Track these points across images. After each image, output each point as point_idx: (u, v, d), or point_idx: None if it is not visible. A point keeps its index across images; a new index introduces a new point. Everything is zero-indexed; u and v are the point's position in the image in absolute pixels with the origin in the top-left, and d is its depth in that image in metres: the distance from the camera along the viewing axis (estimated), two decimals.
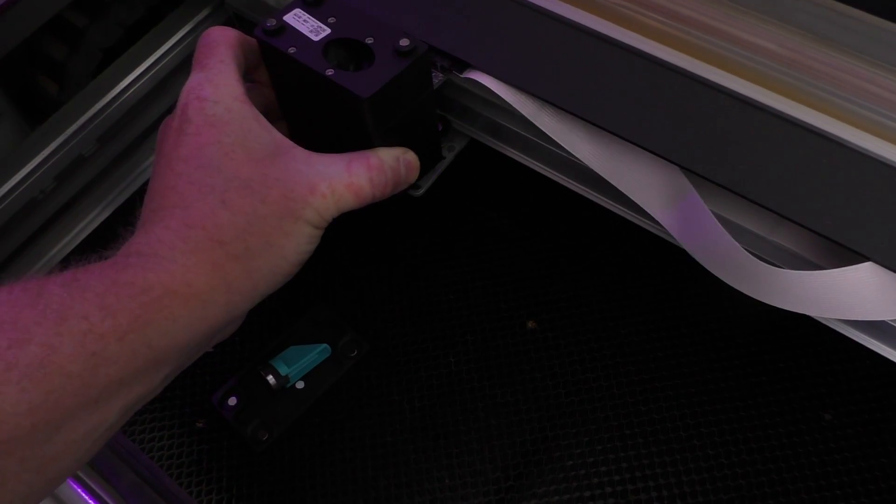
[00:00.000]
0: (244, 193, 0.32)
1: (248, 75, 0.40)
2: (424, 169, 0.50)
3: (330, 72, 0.41)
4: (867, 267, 0.35)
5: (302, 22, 0.43)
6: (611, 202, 0.46)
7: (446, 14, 0.45)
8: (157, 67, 0.55)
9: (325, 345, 0.47)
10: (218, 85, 0.35)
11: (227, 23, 0.58)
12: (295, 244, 0.33)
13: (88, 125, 0.53)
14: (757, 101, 0.38)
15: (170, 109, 0.58)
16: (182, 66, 0.57)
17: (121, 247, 0.32)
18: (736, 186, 0.36)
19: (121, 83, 0.54)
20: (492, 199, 0.54)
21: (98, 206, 0.57)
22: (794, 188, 0.36)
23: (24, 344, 0.27)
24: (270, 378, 0.46)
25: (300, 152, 0.35)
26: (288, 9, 0.44)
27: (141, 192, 0.57)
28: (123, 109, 0.54)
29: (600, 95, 0.40)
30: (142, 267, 0.29)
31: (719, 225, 0.37)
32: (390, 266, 0.52)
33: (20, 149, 0.51)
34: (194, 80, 0.36)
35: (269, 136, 0.35)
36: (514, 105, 0.43)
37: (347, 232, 0.54)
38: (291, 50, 0.42)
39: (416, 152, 0.48)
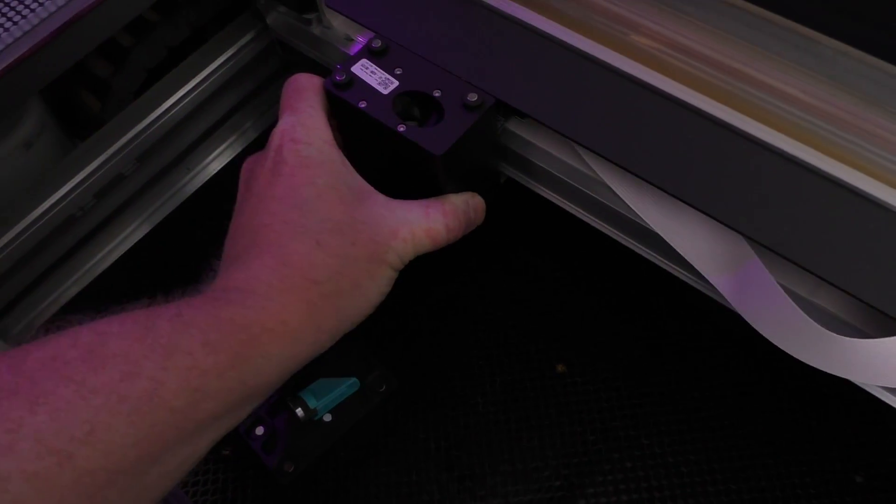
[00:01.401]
0: (337, 235, 0.33)
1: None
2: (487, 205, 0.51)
3: (401, 128, 0.42)
4: None
5: (370, 74, 0.44)
6: (647, 250, 0.45)
7: (505, 60, 0.45)
8: (200, 89, 0.56)
9: (354, 379, 0.47)
10: (309, 128, 0.37)
11: (270, 48, 0.59)
12: (377, 285, 0.35)
13: (130, 145, 0.53)
14: (814, 166, 0.37)
15: (209, 132, 0.59)
16: (223, 89, 0.58)
17: (214, 279, 0.33)
18: (791, 254, 0.36)
19: (163, 104, 0.54)
20: (527, 239, 0.54)
21: (133, 224, 0.58)
22: (847, 256, 0.35)
23: (135, 378, 0.27)
24: (299, 410, 0.46)
25: (381, 198, 0.37)
26: (354, 59, 0.44)
27: (177, 212, 0.58)
28: (164, 130, 0.55)
29: (667, 159, 0.40)
30: (241, 304, 0.31)
31: (779, 288, 0.37)
32: (422, 303, 0.52)
33: (62, 165, 0.52)
34: (287, 122, 0.37)
35: (355, 180, 0.37)
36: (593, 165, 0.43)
37: None
38: (362, 104, 0.43)
39: (474, 189, 0.48)
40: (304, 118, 0.37)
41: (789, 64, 0.40)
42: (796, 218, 0.37)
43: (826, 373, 0.38)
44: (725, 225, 0.37)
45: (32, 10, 0.44)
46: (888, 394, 0.39)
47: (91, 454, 0.26)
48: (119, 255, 0.56)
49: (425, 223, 0.37)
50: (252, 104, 0.61)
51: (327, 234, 0.33)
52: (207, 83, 0.56)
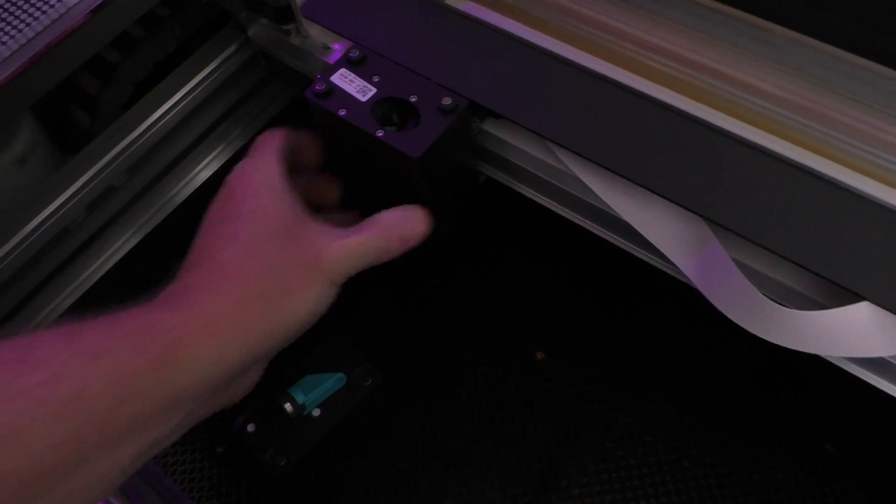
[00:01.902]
0: (269, 242, 0.35)
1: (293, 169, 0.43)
2: (464, 204, 0.52)
3: (380, 133, 0.44)
4: (864, 306, 0.36)
5: (349, 82, 0.46)
6: (620, 239, 0.47)
7: (478, 64, 0.47)
8: (186, 101, 0.58)
9: (340, 374, 0.49)
10: (258, 164, 0.39)
11: (252, 59, 0.61)
12: (312, 294, 0.36)
13: (119, 157, 0.55)
14: (767, 148, 0.39)
15: (196, 142, 0.61)
16: (209, 100, 0.59)
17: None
18: (747, 232, 0.38)
19: (151, 116, 0.56)
20: (507, 234, 0.56)
21: (126, 234, 0.59)
22: (798, 231, 0.37)
23: (59, 380, 0.28)
24: (288, 406, 0.47)
25: (319, 220, 0.39)
26: (334, 69, 0.46)
27: (168, 221, 0.60)
28: (153, 141, 0.57)
29: (633, 151, 0.42)
30: (170, 307, 0.32)
31: (734, 266, 0.39)
32: (405, 298, 0.54)
33: (54, 179, 0.53)
34: (241, 163, 0.40)
35: (297, 204, 0.38)
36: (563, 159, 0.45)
37: None
38: (342, 112, 0.45)
39: (458, 192, 0.50)
40: (255, 159, 0.39)
41: (742, 52, 0.42)
42: (751, 198, 0.39)
43: (797, 350, 0.40)
44: (686, 208, 0.39)
45: (20, 31, 0.46)
46: (853, 364, 0.41)
47: (7, 458, 0.26)
48: (112, 264, 0.58)
49: (359, 237, 0.38)
50: (238, 114, 0.63)
51: (259, 241, 0.35)
52: (193, 95, 0.58)
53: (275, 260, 0.35)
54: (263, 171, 0.39)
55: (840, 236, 0.37)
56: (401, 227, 0.41)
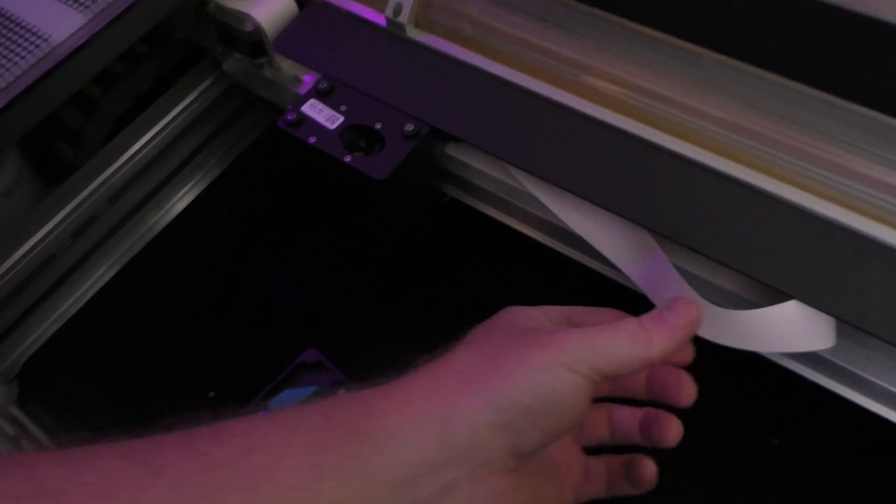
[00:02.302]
0: (503, 341, 0.33)
1: None
2: (430, 224, 0.56)
3: (348, 158, 0.47)
4: (792, 304, 0.39)
5: (318, 112, 0.50)
6: (577, 252, 0.51)
7: (439, 92, 0.50)
8: (164, 133, 0.61)
9: (316, 387, 0.52)
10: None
11: (228, 91, 0.64)
12: (536, 371, 0.32)
13: (101, 187, 0.58)
14: (702, 163, 0.43)
15: (176, 171, 0.64)
16: (186, 131, 0.62)
17: None
18: (686, 240, 0.41)
19: (131, 148, 0.59)
20: (469, 251, 0.59)
21: (109, 261, 0.62)
22: (731, 238, 0.41)
23: (256, 451, 0.27)
24: None
25: None
26: (304, 99, 0.50)
27: (149, 248, 0.62)
28: (133, 172, 0.60)
29: (582, 169, 0.45)
30: (371, 392, 0.31)
31: (675, 272, 0.42)
32: (376, 313, 0.56)
33: (39, 209, 0.56)
34: None
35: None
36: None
37: (340, 281, 0.59)
38: (312, 139, 0.48)
39: (423, 213, 0.54)
40: None
41: (677, 75, 0.46)
42: (689, 209, 0.42)
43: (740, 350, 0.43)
44: (630, 220, 0.43)
45: (8, 69, 0.49)
46: (793, 361, 0.45)
47: None
48: (97, 289, 0.60)
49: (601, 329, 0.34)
50: (215, 143, 0.66)
51: (494, 342, 0.33)
52: (171, 127, 0.61)
53: (498, 347, 0.32)
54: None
55: (769, 241, 0.41)
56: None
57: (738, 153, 0.43)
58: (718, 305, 0.42)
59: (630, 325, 0.32)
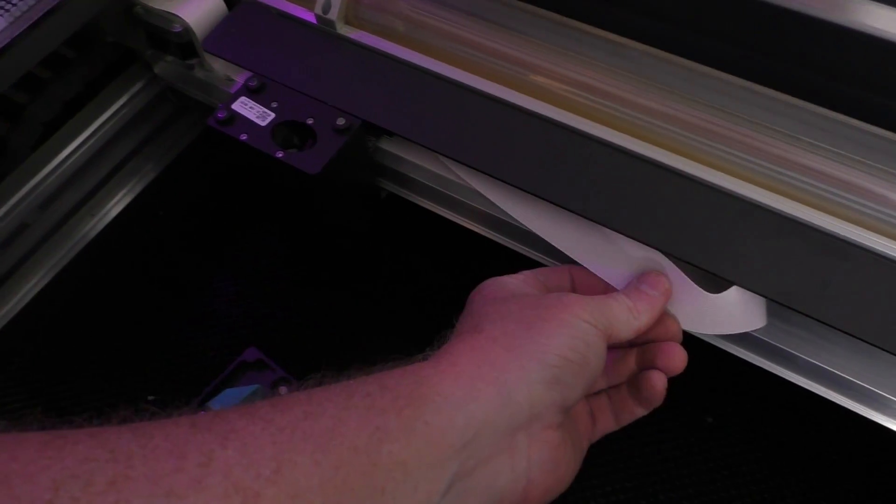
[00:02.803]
0: (527, 308, 0.36)
1: None
2: (368, 220, 0.56)
3: (280, 154, 0.47)
4: (734, 290, 0.40)
5: (249, 109, 0.49)
6: (513, 242, 0.51)
7: (370, 87, 0.50)
8: (95, 138, 0.60)
9: (258, 385, 0.51)
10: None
11: (161, 94, 0.63)
12: (564, 329, 0.35)
13: (30, 195, 0.57)
14: (630, 150, 0.44)
15: (108, 177, 0.63)
16: (118, 137, 0.61)
17: None
18: (619, 227, 0.42)
19: (60, 154, 0.58)
20: (408, 245, 0.59)
21: (41, 270, 0.60)
22: (672, 227, 0.42)
23: (318, 417, 0.28)
24: None
25: None
26: (234, 97, 0.50)
27: (82, 256, 0.61)
28: (63, 179, 0.58)
29: (512, 156, 0.46)
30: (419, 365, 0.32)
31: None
32: (315, 309, 0.56)
33: None
34: None
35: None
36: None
37: (279, 279, 0.58)
38: (243, 137, 0.48)
39: (361, 208, 0.53)
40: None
41: (602, 65, 0.47)
42: (620, 196, 0.43)
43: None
44: (563, 207, 0.44)
45: None
46: (726, 342, 0.46)
47: (277, 495, 0.25)
48: (29, 299, 0.59)
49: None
50: (150, 147, 0.65)
51: (518, 308, 0.36)
52: (102, 132, 0.60)
53: (521, 314, 0.35)
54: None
55: (700, 226, 0.42)
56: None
57: (662, 140, 0.44)
58: None
59: (623, 298, 0.37)
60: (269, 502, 0.25)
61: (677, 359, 0.38)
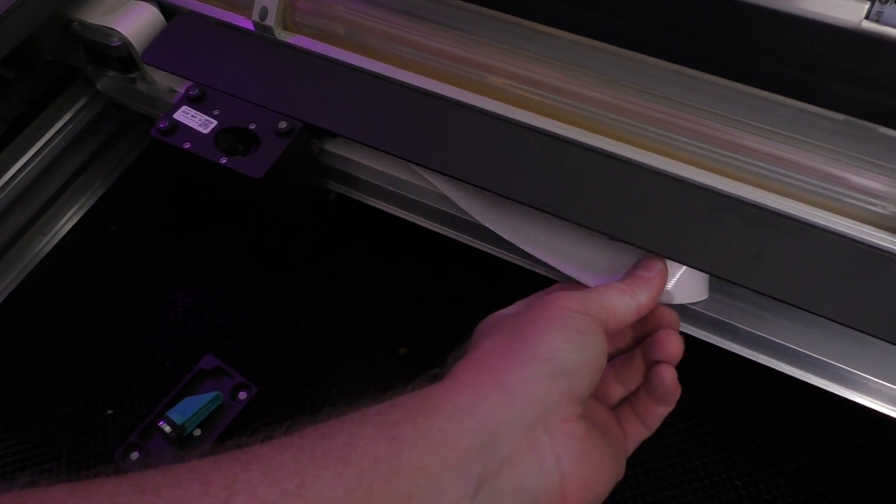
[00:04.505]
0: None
1: None
2: (317, 222, 0.56)
3: (223, 160, 0.47)
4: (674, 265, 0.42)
5: (191, 118, 0.50)
6: (462, 235, 0.52)
7: (311, 90, 0.51)
8: (39, 158, 0.59)
9: (217, 392, 0.52)
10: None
11: (105, 110, 0.63)
12: (554, 329, 0.35)
13: None
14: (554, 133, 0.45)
15: (56, 195, 0.62)
16: (63, 155, 0.61)
17: None
18: (560, 212, 0.43)
19: (5, 175, 0.58)
20: (359, 244, 0.60)
21: None
22: (615, 210, 0.43)
23: (334, 435, 0.29)
24: (167, 428, 0.49)
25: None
26: (176, 107, 0.50)
27: (33, 275, 0.61)
28: (8, 199, 0.58)
29: (455, 149, 0.47)
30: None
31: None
32: (271, 313, 0.57)
33: None
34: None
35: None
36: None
37: (233, 286, 0.59)
38: (186, 145, 0.48)
39: (309, 211, 0.54)
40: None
41: (533, 56, 0.48)
42: (559, 183, 0.44)
43: None
44: (496, 193, 0.45)
45: None
46: (682, 322, 0.47)
47: None
48: None
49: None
50: (98, 163, 0.65)
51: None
52: (46, 151, 0.60)
53: (515, 322, 0.36)
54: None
55: (645, 210, 0.43)
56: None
57: (599, 125, 0.45)
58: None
59: (617, 284, 0.38)
60: None
61: (671, 344, 0.38)
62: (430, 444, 0.29)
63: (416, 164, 0.48)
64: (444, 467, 0.29)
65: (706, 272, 0.42)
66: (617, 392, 0.41)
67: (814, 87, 0.50)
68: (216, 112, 0.50)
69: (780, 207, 0.42)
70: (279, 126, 0.48)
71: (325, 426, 0.30)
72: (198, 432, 0.51)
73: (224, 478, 0.26)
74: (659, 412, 0.39)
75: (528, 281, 0.49)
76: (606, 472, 0.34)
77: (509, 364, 0.33)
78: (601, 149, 0.45)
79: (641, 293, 0.38)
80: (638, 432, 0.39)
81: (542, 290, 0.43)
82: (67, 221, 0.64)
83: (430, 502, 0.28)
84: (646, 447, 0.49)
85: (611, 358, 0.41)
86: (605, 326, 0.36)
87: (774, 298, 0.40)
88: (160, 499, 0.25)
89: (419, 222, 0.53)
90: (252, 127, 0.49)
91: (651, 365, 0.39)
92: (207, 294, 0.58)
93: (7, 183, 0.58)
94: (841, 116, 0.44)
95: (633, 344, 0.41)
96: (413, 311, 0.56)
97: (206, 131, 0.49)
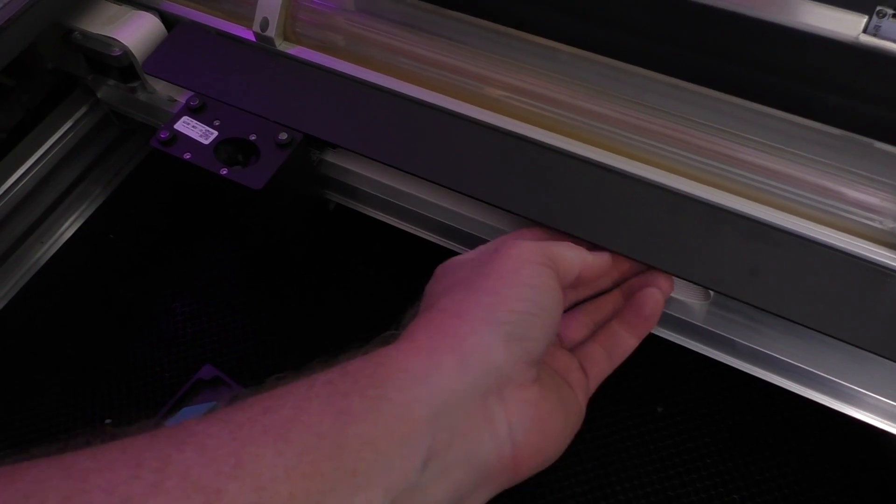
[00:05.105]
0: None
1: None
2: (317, 232, 0.56)
3: (224, 171, 0.47)
4: None
5: (191, 128, 0.50)
6: (460, 246, 0.52)
7: (310, 101, 0.51)
8: (39, 166, 0.60)
9: (215, 402, 0.52)
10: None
11: (105, 118, 0.63)
12: (510, 269, 0.36)
13: None
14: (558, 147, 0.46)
15: (56, 202, 0.62)
16: (63, 163, 0.61)
17: None
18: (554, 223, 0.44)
19: (5, 183, 0.58)
20: (357, 253, 0.60)
21: None
22: (617, 225, 0.43)
23: (277, 410, 0.27)
24: None
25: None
26: (176, 117, 0.50)
27: (32, 283, 0.61)
28: (9, 207, 0.58)
29: (451, 161, 0.47)
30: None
31: None
32: (272, 323, 0.57)
33: None
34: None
35: None
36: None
37: (231, 295, 0.59)
38: (187, 156, 0.48)
39: (309, 221, 0.54)
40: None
41: (534, 69, 0.48)
42: (561, 197, 0.44)
43: None
44: (502, 209, 0.45)
45: None
46: (676, 335, 0.47)
47: (241, 489, 0.24)
48: None
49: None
50: (97, 171, 0.65)
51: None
52: (46, 159, 0.60)
53: (467, 278, 0.35)
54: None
55: (643, 223, 0.43)
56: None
57: (599, 139, 0.46)
58: None
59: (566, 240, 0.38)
60: (233, 497, 0.24)
61: (662, 279, 0.39)
62: (379, 416, 0.28)
63: (415, 175, 0.48)
64: (393, 440, 0.28)
65: (703, 286, 0.42)
66: (580, 333, 0.41)
67: (811, 100, 0.50)
68: (217, 123, 0.50)
69: (776, 221, 0.42)
70: (279, 137, 0.49)
71: (268, 397, 0.28)
72: None
73: (156, 459, 0.25)
74: (629, 343, 0.40)
75: None
76: (560, 433, 0.34)
77: (464, 326, 0.31)
78: (599, 161, 0.45)
79: (591, 252, 0.39)
80: (601, 369, 0.39)
81: None
82: (66, 229, 0.64)
83: (376, 477, 0.27)
84: (642, 458, 0.49)
85: (587, 300, 0.42)
86: (558, 276, 0.35)
87: (771, 313, 0.40)
88: (86, 483, 0.24)
89: (418, 233, 0.53)
90: (252, 138, 0.49)
91: (631, 294, 0.40)
92: (206, 303, 0.58)
93: (7, 191, 0.58)
94: (838, 131, 0.45)
95: (611, 287, 0.42)
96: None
97: (206, 142, 0.50)
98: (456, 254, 0.52)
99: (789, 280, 0.40)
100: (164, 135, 0.50)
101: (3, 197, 0.58)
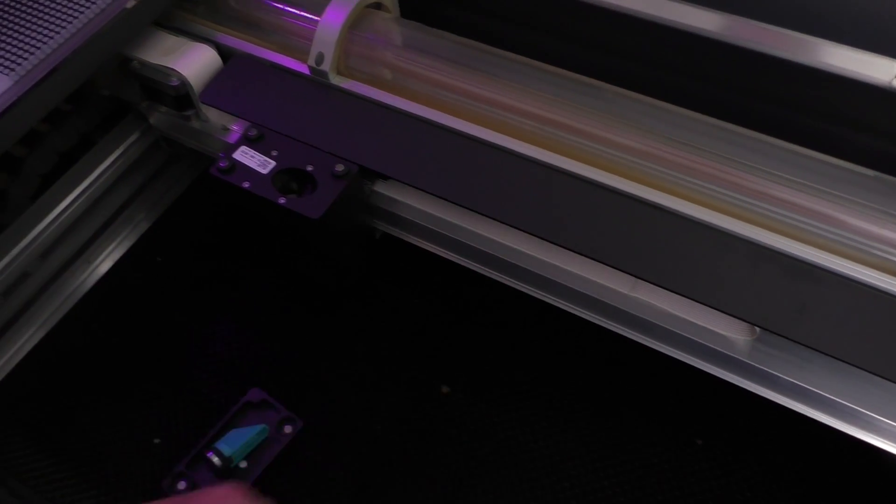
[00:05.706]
0: None
1: None
2: (364, 259, 0.58)
3: (282, 200, 0.49)
4: None
5: (250, 158, 0.52)
6: (504, 276, 0.54)
7: (364, 133, 0.53)
8: (91, 189, 0.61)
9: (263, 426, 0.53)
10: None
11: (154, 144, 0.65)
12: None
13: (31, 245, 0.58)
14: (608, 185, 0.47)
15: (106, 224, 0.64)
16: (113, 187, 0.63)
17: None
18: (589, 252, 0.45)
19: (57, 206, 0.59)
20: (401, 281, 0.61)
21: (42, 318, 0.61)
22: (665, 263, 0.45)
23: None
24: (216, 459, 0.50)
25: None
26: (235, 147, 0.52)
27: (81, 303, 0.62)
28: (62, 229, 0.60)
29: (496, 194, 0.48)
30: None
31: None
32: (319, 348, 0.58)
33: None
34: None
35: None
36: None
37: (279, 319, 0.60)
38: (246, 185, 0.50)
39: (357, 249, 0.56)
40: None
41: (582, 107, 0.50)
42: (609, 232, 0.46)
43: (668, 355, 0.47)
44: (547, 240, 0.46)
45: None
46: (720, 369, 0.48)
47: None
48: (30, 348, 0.60)
49: None
50: (142, 197, 0.67)
51: None
52: (98, 183, 0.61)
53: None
54: None
55: (692, 261, 0.44)
56: None
57: (652, 179, 0.47)
58: None
59: None
60: None
61: None
62: None
63: (466, 207, 0.50)
64: None
65: (752, 323, 0.43)
66: None
67: (845, 142, 0.52)
68: (274, 153, 0.52)
69: (822, 262, 0.43)
70: (336, 168, 0.50)
71: None
72: (244, 464, 0.52)
73: None
74: None
75: (570, 320, 0.51)
76: None
77: None
78: (652, 201, 0.46)
79: None
80: None
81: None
82: (114, 251, 0.65)
83: None
84: (683, 490, 0.50)
85: None
86: None
87: (817, 350, 0.41)
88: None
89: (461, 262, 0.55)
90: (309, 168, 0.51)
91: None
92: (252, 325, 0.59)
93: (61, 213, 0.59)
94: (871, 172, 0.46)
95: None
96: (454, 350, 0.57)
97: (265, 171, 0.51)
98: (500, 284, 0.54)
99: (835, 318, 0.42)
100: (223, 164, 0.51)
101: (57, 218, 0.59)
